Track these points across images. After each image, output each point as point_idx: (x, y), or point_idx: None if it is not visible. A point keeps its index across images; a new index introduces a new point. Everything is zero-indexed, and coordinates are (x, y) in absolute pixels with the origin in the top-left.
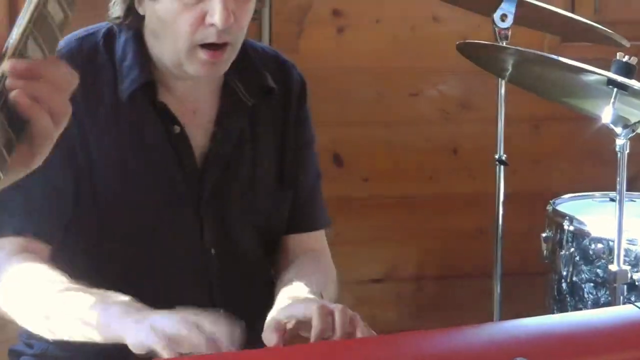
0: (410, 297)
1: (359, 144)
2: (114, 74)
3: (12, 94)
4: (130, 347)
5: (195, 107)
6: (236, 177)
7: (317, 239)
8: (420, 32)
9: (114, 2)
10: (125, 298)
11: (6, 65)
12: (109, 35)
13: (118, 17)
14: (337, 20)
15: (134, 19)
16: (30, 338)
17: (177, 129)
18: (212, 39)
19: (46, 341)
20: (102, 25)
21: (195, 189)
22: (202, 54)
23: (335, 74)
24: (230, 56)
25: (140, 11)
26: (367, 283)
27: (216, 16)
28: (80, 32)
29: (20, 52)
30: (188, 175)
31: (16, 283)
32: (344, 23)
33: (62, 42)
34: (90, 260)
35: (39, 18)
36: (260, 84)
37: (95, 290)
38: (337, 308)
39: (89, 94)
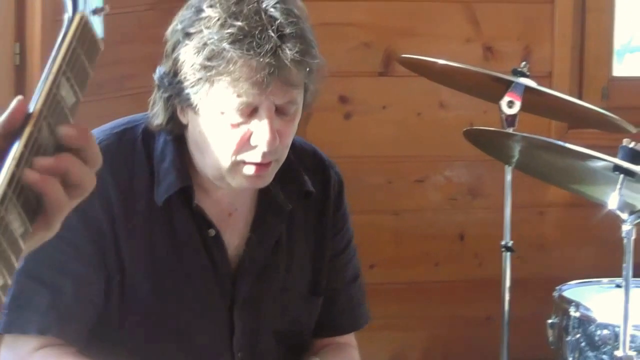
0: None
1: (365, 231)
2: (151, 175)
3: (30, 178)
4: None
5: (231, 211)
6: (270, 283)
7: (348, 336)
8: (426, 118)
9: (155, 109)
10: None
11: (34, 131)
12: (148, 132)
13: (160, 124)
14: (343, 106)
15: (175, 126)
16: None
17: (212, 232)
18: (257, 159)
19: None
20: (139, 119)
21: (229, 294)
22: (247, 169)
23: (341, 162)
24: (274, 170)
25: (183, 121)
26: None
27: (262, 140)
28: (118, 123)
29: (53, 111)
30: (221, 280)
31: None
32: (351, 109)
33: (100, 134)
34: (116, 355)
35: (53, 102)
36: (300, 189)
37: None
38: None
39: (124, 194)
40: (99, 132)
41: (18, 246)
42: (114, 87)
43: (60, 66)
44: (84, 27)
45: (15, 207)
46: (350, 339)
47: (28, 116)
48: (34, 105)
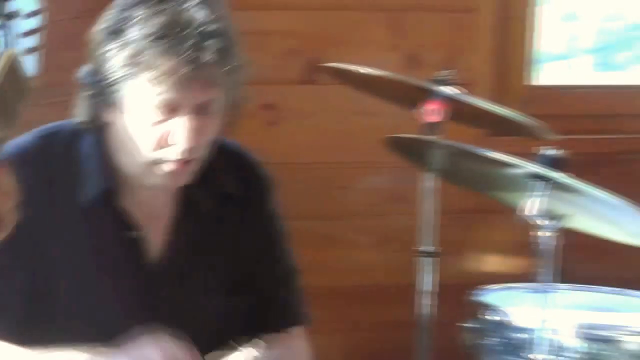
0: None
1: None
2: (76, 176)
3: None
4: None
5: (153, 212)
6: (190, 282)
7: (289, 338)
8: (350, 125)
9: (80, 109)
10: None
11: None
12: (74, 135)
13: (84, 122)
14: (267, 114)
15: (100, 126)
16: None
17: (134, 233)
18: (176, 156)
19: None
20: (65, 124)
21: (150, 293)
22: (165, 166)
23: (266, 168)
24: (193, 168)
25: (107, 119)
26: None
27: (181, 137)
28: (45, 128)
29: None
30: (143, 279)
31: None
32: (275, 116)
33: (26, 138)
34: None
35: None
36: (220, 191)
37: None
38: None
39: (50, 195)
40: (25, 137)
41: None
42: (41, 95)
43: None
44: (12, 66)
45: None
46: (296, 333)
47: None
48: None
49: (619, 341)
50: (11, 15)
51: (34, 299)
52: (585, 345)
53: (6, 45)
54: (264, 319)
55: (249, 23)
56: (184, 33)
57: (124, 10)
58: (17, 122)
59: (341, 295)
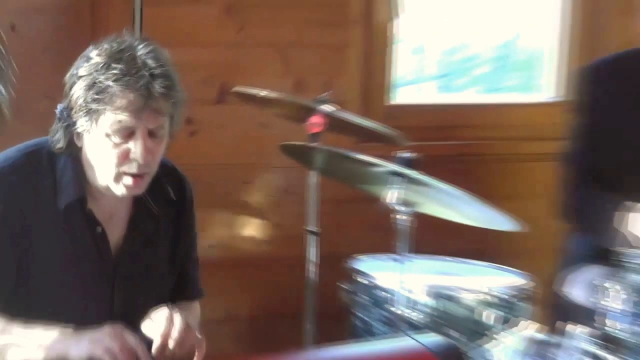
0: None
1: (204, 220)
2: (54, 187)
3: None
4: (73, 358)
5: (114, 213)
6: (141, 267)
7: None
8: (253, 135)
9: (57, 136)
10: (60, 329)
11: None
12: (52, 154)
13: (61, 148)
14: (189, 127)
15: (73, 148)
16: None
17: (99, 229)
18: (134, 170)
19: None
20: (44, 142)
21: (111, 275)
22: (127, 180)
23: (188, 168)
24: (147, 181)
25: (78, 144)
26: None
27: (138, 155)
28: (27, 145)
29: None
30: (105, 265)
31: None
32: (194, 129)
33: (12, 153)
34: (23, 315)
35: None
36: (165, 197)
37: (32, 326)
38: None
39: (33, 200)
40: (11, 151)
41: None
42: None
43: None
44: None
45: None
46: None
47: None
48: None
49: (458, 297)
50: None
51: (18, 282)
52: (433, 301)
53: None
54: (181, 291)
55: (176, 57)
56: (138, 74)
57: (89, 58)
58: None
59: (247, 264)
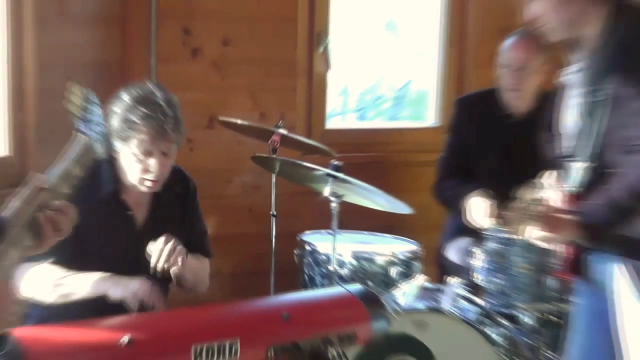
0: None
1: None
2: (99, 183)
3: (42, 220)
4: (111, 298)
5: (139, 201)
6: (157, 237)
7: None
8: (233, 149)
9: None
10: (104, 274)
11: (46, 196)
12: (98, 162)
13: (104, 159)
14: (188, 144)
15: (111, 158)
16: (35, 306)
17: (129, 213)
18: (151, 177)
19: (44, 308)
20: None
21: (137, 244)
22: (147, 183)
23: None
24: (161, 182)
25: (115, 156)
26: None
27: (154, 169)
28: None
29: (57, 191)
30: (133, 238)
31: (40, 273)
32: (193, 145)
33: None
34: (76, 268)
35: (69, 174)
36: (173, 191)
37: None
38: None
39: (87, 193)
40: None
41: (23, 253)
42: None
43: (67, 170)
44: (87, 148)
45: (28, 233)
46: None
47: (44, 189)
48: (50, 183)
49: (372, 259)
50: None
51: (73, 247)
52: (356, 261)
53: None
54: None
55: (180, 97)
56: (156, 116)
57: (122, 100)
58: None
59: (230, 237)
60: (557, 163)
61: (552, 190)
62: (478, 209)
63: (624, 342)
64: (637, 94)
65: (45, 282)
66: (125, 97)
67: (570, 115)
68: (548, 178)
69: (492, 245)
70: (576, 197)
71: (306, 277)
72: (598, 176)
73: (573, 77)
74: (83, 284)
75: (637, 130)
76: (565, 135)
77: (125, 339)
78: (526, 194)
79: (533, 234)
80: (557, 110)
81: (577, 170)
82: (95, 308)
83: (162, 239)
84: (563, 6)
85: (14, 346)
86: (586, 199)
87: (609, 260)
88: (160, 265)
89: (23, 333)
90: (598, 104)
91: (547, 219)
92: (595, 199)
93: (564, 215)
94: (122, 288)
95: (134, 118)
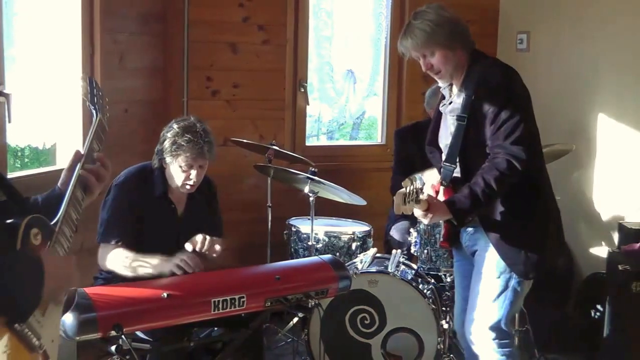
0: (237, 257)
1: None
2: (152, 184)
3: (85, 174)
4: (166, 272)
5: (180, 198)
6: (194, 224)
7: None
8: (240, 160)
9: (155, 160)
10: (159, 256)
11: (84, 160)
12: (151, 169)
13: (156, 166)
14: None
15: (162, 168)
16: (103, 270)
17: (173, 206)
18: (191, 183)
19: (114, 275)
20: (147, 164)
21: (179, 229)
22: (187, 187)
23: (213, 177)
24: (197, 186)
25: (165, 166)
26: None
27: (193, 178)
28: (141, 165)
29: (91, 151)
30: (175, 225)
31: (117, 255)
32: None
33: (133, 168)
34: (139, 250)
35: (92, 146)
36: (201, 190)
37: (144, 255)
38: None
39: (143, 190)
40: (133, 167)
41: (81, 207)
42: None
43: (91, 140)
44: (101, 127)
45: (79, 187)
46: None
47: (81, 155)
48: (84, 150)
49: (339, 236)
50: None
51: (136, 233)
52: (327, 239)
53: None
54: (213, 233)
55: (209, 124)
56: (197, 141)
57: (172, 128)
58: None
59: (240, 221)
60: (438, 167)
61: (430, 182)
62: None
63: (479, 288)
64: (487, 117)
65: (120, 261)
66: (175, 126)
67: (445, 134)
68: (429, 175)
69: (422, 226)
70: (449, 189)
71: (292, 249)
72: (463, 175)
73: (447, 107)
74: (147, 264)
75: (491, 141)
76: (443, 147)
77: (165, 294)
78: (408, 184)
79: (416, 213)
80: (435, 132)
81: (449, 171)
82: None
83: (200, 236)
84: (450, 57)
85: (85, 299)
86: (455, 191)
87: (473, 233)
88: (202, 250)
89: (91, 290)
90: (462, 125)
91: (428, 203)
92: (462, 192)
93: (439, 202)
94: (170, 263)
95: (181, 142)
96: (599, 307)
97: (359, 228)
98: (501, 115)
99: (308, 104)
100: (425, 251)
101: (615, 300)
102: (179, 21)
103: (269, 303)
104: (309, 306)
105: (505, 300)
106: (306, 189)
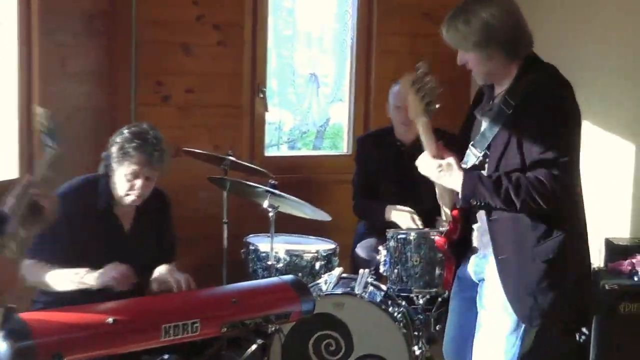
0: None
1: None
2: (96, 196)
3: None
4: (96, 285)
5: (127, 212)
6: (141, 242)
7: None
8: (193, 172)
9: (101, 166)
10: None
11: (33, 186)
12: (96, 178)
13: (101, 173)
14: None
15: (108, 176)
16: (42, 294)
17: (119, 221)
18: (136, 194)
19: (49, 294)
20: (93, 175)
21: (123, 246)
22: (132, 199)
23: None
24: (143, 198)
25: (110, 174)
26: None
27: (138, 188)
28: (81, 177)
29: (40, 184)
30: (119, 242)
31: (40, 273)
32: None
33: (77, 179)
34: (71, 265)
35: (45, 176)
36: (152, 204)
37: (71, 269)
38: (181, 275)
39: (84, 204)
40: (78, 178)
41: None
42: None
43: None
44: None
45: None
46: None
47: (31, 183)
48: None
49: (302, 255)
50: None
51: (71, 247)
52: (288, 258)
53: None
54: (165, 257)
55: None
56: (147, 148)
57: (122, 133)
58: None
59: (194, 239)
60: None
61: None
62: (402, 216)
63: (483, 317)
64: (527, 136)
65: (46, 276)
66: (126, 131)
67: (477, 127)
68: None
69: (392, 243)
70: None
71: (250, 270)
72: (480, 164)
73: (486, 113)
74: (70, 278)
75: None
76: (473, 135)
77: (111, 319)
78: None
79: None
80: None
81: (474, 155)
82: (87, 295)
83: (184, 277)
84: (484, 61)
85: (22, 324)
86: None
87: (479, 259)
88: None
89: (29, 315)
90: (495, 128)
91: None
92: (485, 182)
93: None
94: (101, 275)
95: (129, 148)
96: (584, 330)
97: (323, 246)
98: (544, 143)
99: (267, 111)
100: (396, 270)
101: (603, 322)
102: (126, 20)
103: (225, 329)
104: (269, 332)
105: (518, 339)
106: (265, 204)
